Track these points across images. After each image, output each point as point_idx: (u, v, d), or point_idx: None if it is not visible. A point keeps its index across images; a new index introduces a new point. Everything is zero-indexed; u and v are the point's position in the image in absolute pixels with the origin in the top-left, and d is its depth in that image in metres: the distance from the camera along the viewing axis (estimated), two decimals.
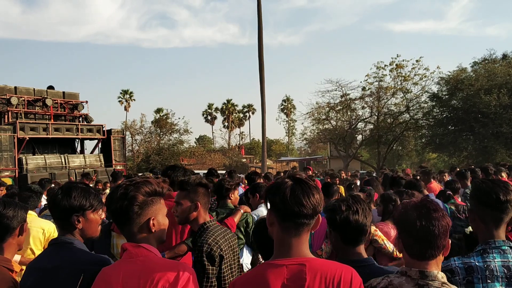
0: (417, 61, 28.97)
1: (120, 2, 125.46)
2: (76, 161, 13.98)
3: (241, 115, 72.24)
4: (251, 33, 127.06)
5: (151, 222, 1.97)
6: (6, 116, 12.88)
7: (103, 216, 2.34)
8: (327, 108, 31.53)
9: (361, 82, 30.95)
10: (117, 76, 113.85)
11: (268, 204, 1.83)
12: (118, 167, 14.69)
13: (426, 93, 29.38)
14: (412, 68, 29.14)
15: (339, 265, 1.78)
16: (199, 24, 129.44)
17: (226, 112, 69.38)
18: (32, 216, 4.22)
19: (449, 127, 27.68)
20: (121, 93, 60.56)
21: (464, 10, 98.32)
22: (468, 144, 25.95)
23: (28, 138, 12.69)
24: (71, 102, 14.63)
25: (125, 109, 60.36)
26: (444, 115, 28.32)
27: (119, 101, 60.63)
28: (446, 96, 27.93)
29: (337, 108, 31.69)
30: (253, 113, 71.50)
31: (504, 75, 24.88)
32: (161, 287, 1.79)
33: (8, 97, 12.87)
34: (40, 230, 4.23)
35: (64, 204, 2.21)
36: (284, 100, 69.63)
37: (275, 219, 1.79)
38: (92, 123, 14.81)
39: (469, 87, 25.14)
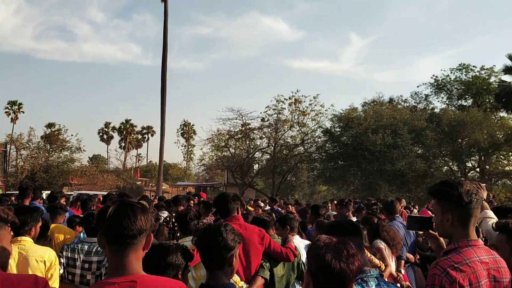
0: (314, 97, 30.60)
1: (14, 8, 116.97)
2: None
3: (140, 136, 70.67)
4: (155, 55, 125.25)
5: None
6: None
7: None
8: (227, 136, 31.91)
9: (261, 113, 31.91)
10: (5, 86, 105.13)
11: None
12: None
13: (320, 128, 31.03)
14: (309, 104, 30.70)
15: (169, 281, 1.92)
16: (100, 41, 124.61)
17: (124, 132, 67.38)
18: (28, 243, 3.57)
19: (339, 162, 29.36)
20: (8, 103, 56.13)
21: (356, 54, 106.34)
22: (356, 179, 27.65)
23: None
24: None
25: (12, 121, 55.92)
26: (335, 150, 30.00)
27: (6, 112, 56.11)
28: (338, 133, 29.73)
29: (237, 137, 32.19)
30: (152, 135, 70.28)
31: (389, 117, 27.18)
32: None
33: None
34: (40, 259, 3.57)
35: None
36: (184, 125, 69.31)
37: (105, 242, 1.87)
38: None
39: (358, 125, 27.03)
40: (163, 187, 40.09)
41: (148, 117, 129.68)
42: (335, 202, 9.58)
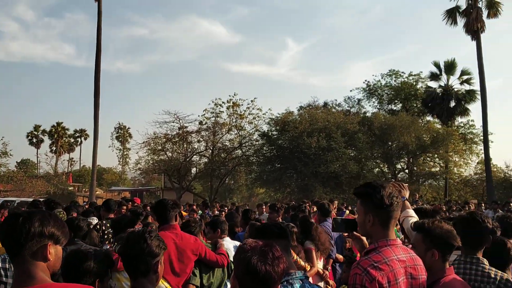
0: (252, 101, 30.86)
1: None
2: None
3: (72, 140, 68.15)
4: (88, 55, 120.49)
5: None
6: None
7: None
8: (164, 139, 31.45)
9: (198, 116, 31.74)
10: None
11: None
12: None
13: (257, 132, 31.32)
14: (247, 108, 30.92)
15: (79, 286, 1.97)
16: (30, 39, 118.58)
17: (55, 136, 64.62)
18: None
19: (276, 165, 29.71)
20: None
21: (292, 59, 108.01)
22: (292, 181, 28.09)
23: None
24: None
25: None
26: (272, 153, 30.34)
27: None
28: (275, 136, 30.14)
29: (174, 140, 31.79)
30: (85, 138, 67.91)
31: (324, 121, 27.90)
32: None
33: None
34: None
35: None
36: (119, 128, 67.58)
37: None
38: None
39: (294, 129, 27.52)
40: (97, 192, 38.87)
41: (81, 120, 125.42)
42: (268, 204, 9.78)
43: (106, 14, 70.69)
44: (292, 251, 4.83)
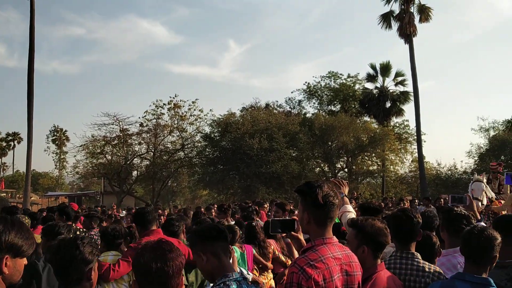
0: (193, 102, 30.71)
1: None
2: None
3: (4, 143, 64.92)
4: (21, 55, 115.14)
5: None
6: None
7: None
8: (103, 142, 30.59)
9: (139, 118, 31.10)
10: None
11: None
12: None
13: (199, 133, 31.20)
14: (188, 109, 30.74)
15: None
16: None
17: None
18: None
19: (219, 166, 29.63)
20: None
21: (234, 61, 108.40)
22: (235, 183, 28.13)
23: None
24: None
25: None
26: (215, 155, 30.26)
27: None
28: (217, 137, 30.09)
29: (114, 143, 31.02)
30: (19, 142, 64.83)
31: (265, 122, 28.19)
32: None
33: None
34: None
35: None
36: (55, 131, 64.96)
37: None
38: None
39: (237, 130, 27.60)
40: (32, 198, 37.23)
41: (14, 123, 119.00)
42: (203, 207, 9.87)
43: (40, 12, 67.99)
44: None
